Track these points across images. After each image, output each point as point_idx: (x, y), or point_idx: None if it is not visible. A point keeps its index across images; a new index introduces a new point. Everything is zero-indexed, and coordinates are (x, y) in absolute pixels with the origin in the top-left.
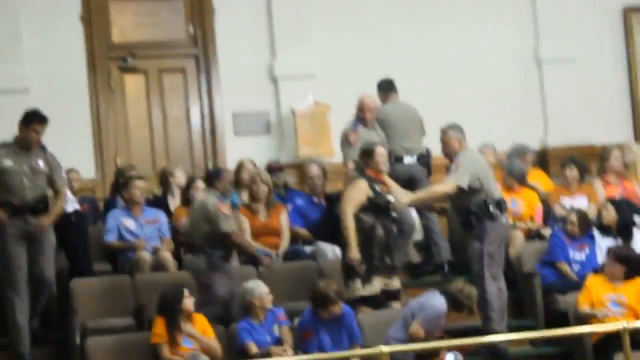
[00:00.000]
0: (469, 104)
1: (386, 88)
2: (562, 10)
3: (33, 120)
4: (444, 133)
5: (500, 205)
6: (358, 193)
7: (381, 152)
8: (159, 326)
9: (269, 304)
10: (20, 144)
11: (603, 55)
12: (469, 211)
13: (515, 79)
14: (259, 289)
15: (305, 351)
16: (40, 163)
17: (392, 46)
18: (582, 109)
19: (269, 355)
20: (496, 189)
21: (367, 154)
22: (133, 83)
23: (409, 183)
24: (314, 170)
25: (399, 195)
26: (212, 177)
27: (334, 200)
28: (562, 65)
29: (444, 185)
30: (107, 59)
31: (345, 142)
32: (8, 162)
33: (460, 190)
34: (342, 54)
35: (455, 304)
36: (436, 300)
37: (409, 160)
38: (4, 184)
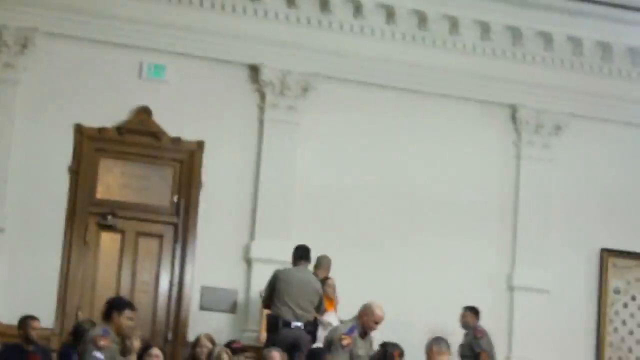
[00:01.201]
0: (441, 315)
1: (297, 255)
2: (541, 242)
3: (126, 307)
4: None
5: None
6: None
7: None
8: None
9: None
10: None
11: (575, 292)
12: None
13: (487, 300)
14: None
15: None
16: None
17: (370, 249)
18: (548, 342)
19: None
20: None
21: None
22: (109, 241)
23: (292, 346)
24: (275, 356)
25: None
26: None
27: None
28: (533, 295)
29: None
30: (88, 213)
31: (337, 344)
32: None
33: None
34: (317, 246)
35: None
36: None
37: (295, 324)
38: None
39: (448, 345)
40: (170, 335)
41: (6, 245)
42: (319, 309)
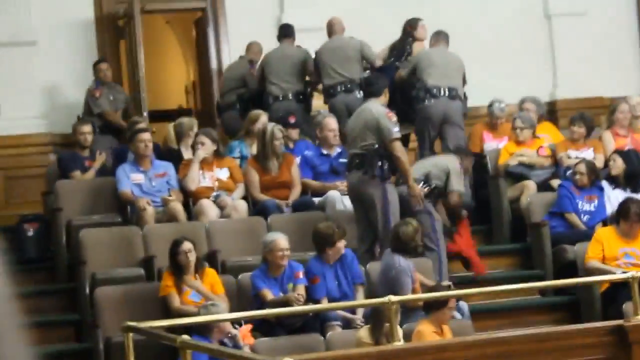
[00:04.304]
0: (479, 58)
1: (280, 33)
2: None
3: None
4: None
5: (430, 91)
6: None
7: None
8: (167, 278)
9: (283, 261)
10: None
11: (614, 9)
12: (411, 96)
13: (525, 32)
14: (278, 244)
15: (314, 297)
16: None
17: (397, 2)
18: (592, 62)
19: (284, 302)
20: (436, 78)
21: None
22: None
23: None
24: (333, 123)
25: None
26: None
27: None
28: (572, 19)
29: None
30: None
31: None
32: None
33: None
34: (350, 9)
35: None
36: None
37: (282, 98)
38: None
39: None
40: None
41: (39, 57)
42: (311, 75)
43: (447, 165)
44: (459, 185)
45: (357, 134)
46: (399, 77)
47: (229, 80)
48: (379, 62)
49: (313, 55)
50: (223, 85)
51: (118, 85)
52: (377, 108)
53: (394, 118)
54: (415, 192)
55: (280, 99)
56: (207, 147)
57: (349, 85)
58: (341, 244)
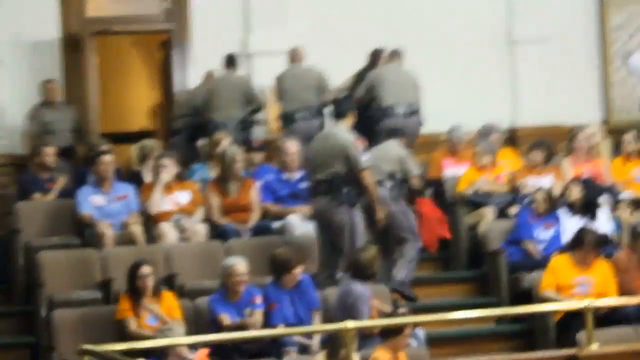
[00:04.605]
0: (441, 82)
1: (226, 62)
2: None
3: None
4: None
5: (385, 111)
6: None
7: None
8: (124, 302)
9: (242, 286)
10: None
11: (575, 37)
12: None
13: (487, 58)
14: (237, 269)
15: (271, 323)
16: None
17: (361, 26)
18: (553, 89)
19: (241, 327)
20: (392, 95)
21: None
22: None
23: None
24: (293, 147)
25: None
26: None
27: None
28: (534, 46)
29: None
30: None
31: None
32: None
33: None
34: (314, 32)
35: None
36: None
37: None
38: None
39: None
40: None
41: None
42: (253, 103)
43: (397, 154)
44: (415, 167)
45: (322, 160)
46: (357, 99)
47: (182, 106)
48: (329, 96)
49: (275, 81)
50: (177, 108)
51: (66, 106)
52: (344, 135)
53: (361, 146)
54: (381, 216)
55: (224, 125)
56: (169, 170)
57: (308, 112)
58: (298, 269)
